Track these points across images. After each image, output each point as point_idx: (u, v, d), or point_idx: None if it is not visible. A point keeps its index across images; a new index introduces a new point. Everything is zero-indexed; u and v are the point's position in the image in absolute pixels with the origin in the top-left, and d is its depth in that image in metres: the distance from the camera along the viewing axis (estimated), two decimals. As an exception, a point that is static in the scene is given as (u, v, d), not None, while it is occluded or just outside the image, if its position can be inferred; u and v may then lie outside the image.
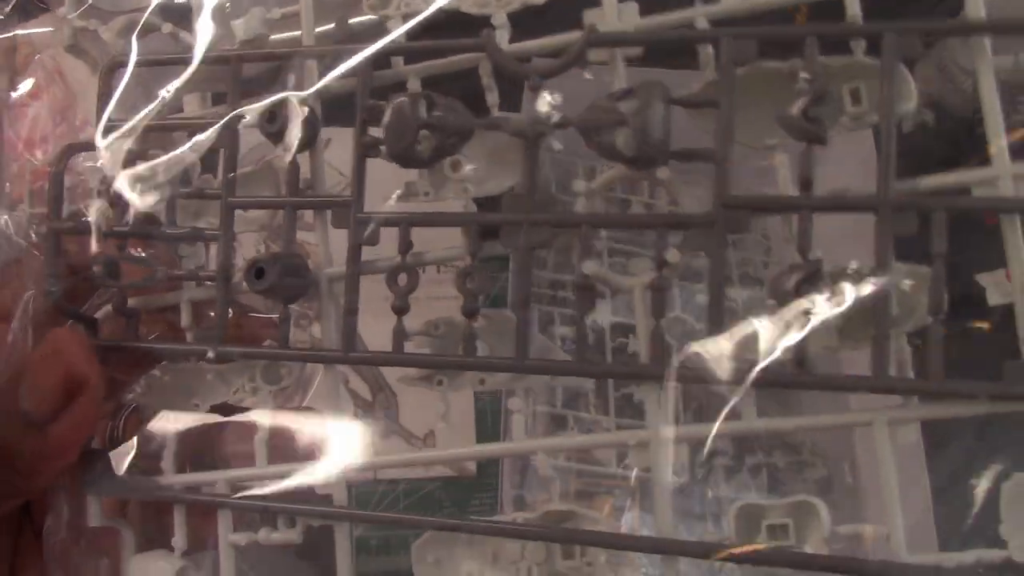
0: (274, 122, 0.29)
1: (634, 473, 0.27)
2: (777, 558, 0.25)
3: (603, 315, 0.26)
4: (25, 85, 0.34)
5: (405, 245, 0.29)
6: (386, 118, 0.28)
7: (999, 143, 0.25)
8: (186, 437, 0.31)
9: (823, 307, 0.25)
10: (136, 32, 0.32)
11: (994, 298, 0.26)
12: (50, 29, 0.33)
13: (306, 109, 0.29)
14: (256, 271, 0.29)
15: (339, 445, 0.30)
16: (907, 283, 0.25)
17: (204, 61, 0.31)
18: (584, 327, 0.27)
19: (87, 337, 0.31)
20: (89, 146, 0.31)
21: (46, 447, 0.29)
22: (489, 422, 0.46)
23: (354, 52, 0.29)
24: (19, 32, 0.35)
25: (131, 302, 0.31)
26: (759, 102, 0.27)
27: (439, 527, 0.28)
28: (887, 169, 0.25)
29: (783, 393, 0.28)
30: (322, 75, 0.31)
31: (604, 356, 0.34)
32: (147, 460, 0.31)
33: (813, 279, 0.25)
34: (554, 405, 0.48)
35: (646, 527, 0.28)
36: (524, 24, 0.29)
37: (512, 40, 0.29)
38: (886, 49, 0.25)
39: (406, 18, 0.30)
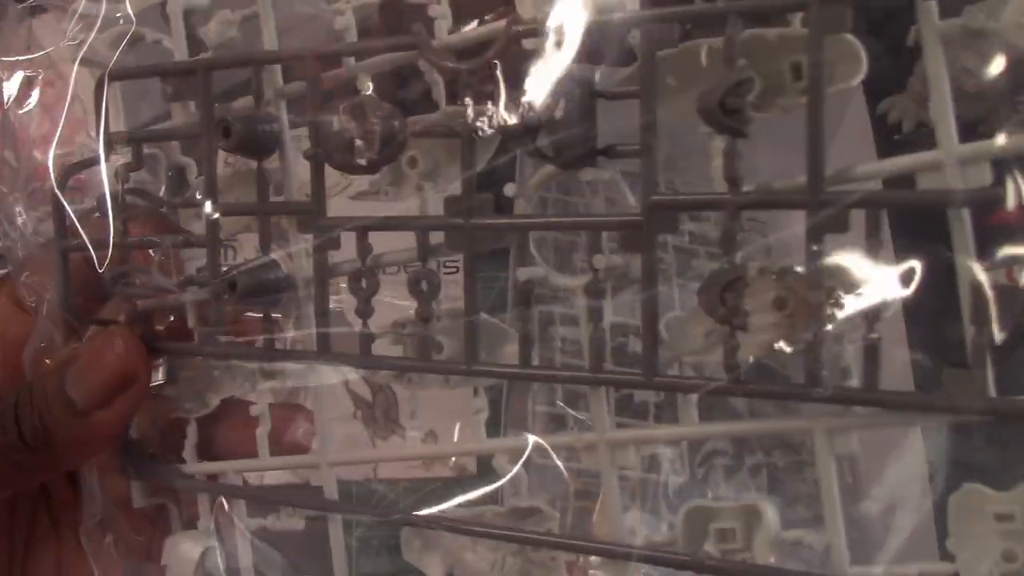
0: (229, 139, 0.29)
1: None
2: (722, 568, 0.25)
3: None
4: (35, 88, 0.36)
5: (363, 250, 0.29)
6: (327, 131, 0.28)
7: (945, 122, 0.22)
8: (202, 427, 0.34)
9: (755, 312, 0.24)
10: (124, 42, 0.33)
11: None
12: (53, 47, 0.34)
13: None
14: (229, 283, 0.30)
15: (332, 439, 0.31)
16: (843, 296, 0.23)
17: (176, 72, 0.32)
18: (528, 331, 0.27)
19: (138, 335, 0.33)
20: (88, 164, 0.33)
21: (88, 434, 0.32)
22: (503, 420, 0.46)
23: (309, 55, 0.29)
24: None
25: (140, 304, 0.33)
26: (697, 81, 0.25)
27: (409, 523, 0.29)
28: (817, 162, 0.23)
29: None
30: (286, 78, 0.31)
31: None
32: (161, 448, 0.34)
33: (737, 286, 0.23)
34: (553, 404, 0.47)
35: (647, 527, 0.28)
36: None
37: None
38: (812, 23, 0.22)
39: (356, 11, 0.30)
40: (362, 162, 0.27)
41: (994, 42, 0.23)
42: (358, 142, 0.27)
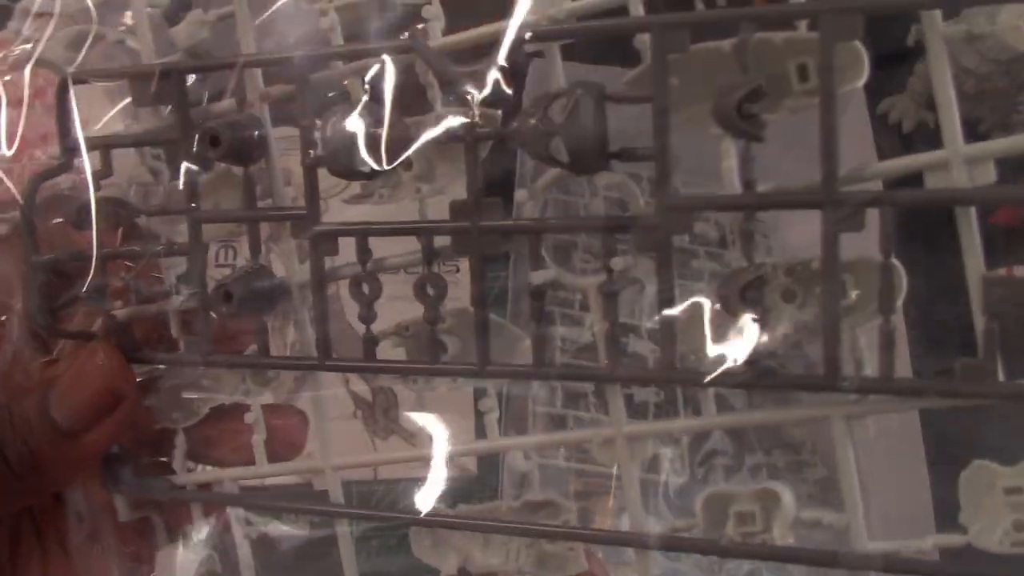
0: (218, 147, 0.28)
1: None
2: (741, 550, 0.26)
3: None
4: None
5: (363, 255, 0.29)
6: (323, 136, 0.27)
7: (951, 122, 0.23)
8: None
9: (773, 308, 0.25)
10: (87, 43, 0.32)
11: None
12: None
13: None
14: (224, 294, 0.29)
15: (334, 443, 0.31)
16: (852, 289, 0.24)
17: (149, 75, 0.31)
18: (542, 331, 0.27)
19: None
20: (58, 171, 0.31)
21: (76, 455, 0.31)
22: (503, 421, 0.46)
23: (295, 58, 0.29)
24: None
25: (119, 314, 0.32)
26: (705, 82, 0.26)
27: (422, 523, 0.29)
28: (831, 163, 0.24)
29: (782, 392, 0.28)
30: (267, 80, 0.30)
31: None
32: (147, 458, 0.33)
33: (757, 284, 0.24)
34: (554, 405, 0.48)
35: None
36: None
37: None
38: (824, 31, 0.23)
39: (339, 10, 0.29)
40: (364, 168, 0.27)
41: (992, 43, 0.24)
42: (360, 147, 0.27)
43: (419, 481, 0.29)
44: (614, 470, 0.28)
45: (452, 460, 0.29)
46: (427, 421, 0.29)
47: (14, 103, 0.32)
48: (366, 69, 0.29)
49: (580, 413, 0.47)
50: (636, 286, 0.27)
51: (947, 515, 0.25)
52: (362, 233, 0.29)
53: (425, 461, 0.29)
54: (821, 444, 0.52)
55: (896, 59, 0.24)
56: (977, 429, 0.27)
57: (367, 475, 0.46)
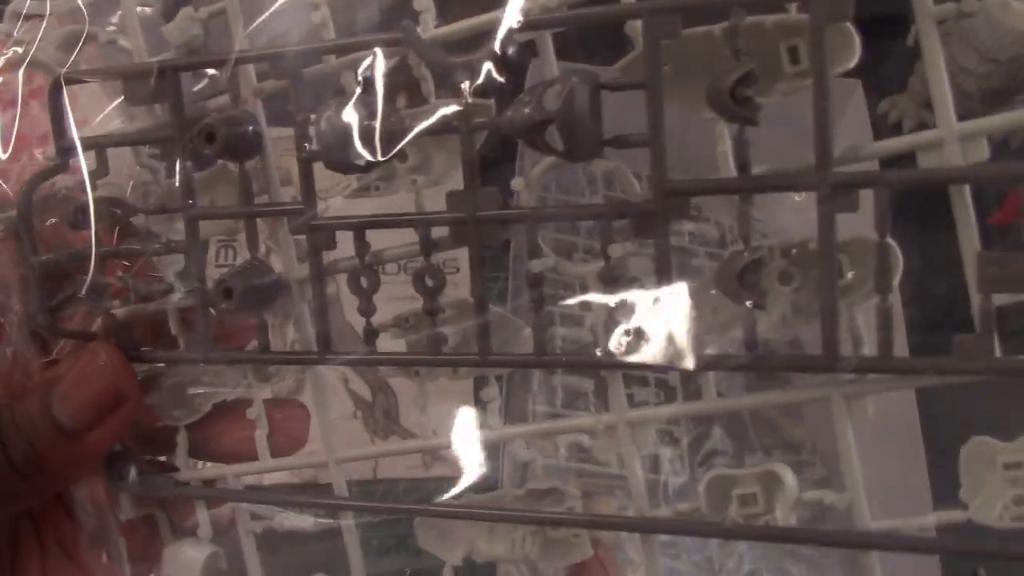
0: (214, 143, 0.29)
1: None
2: (746, 532, 0.26)
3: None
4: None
5: (361, 249, 0.29)
6: (317, 130, 0.27)
7: (943, 100, 0.24)
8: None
9: (770, 290, 0.25)
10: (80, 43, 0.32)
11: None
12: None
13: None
14: (224, 291, 0.29)
15: (335, 436, 0.31)
16: (849, 270, 0.24)
17: (143, 74, 0.31)
18: (542, 320, 0.27)
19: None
20: (54, 172, 0.31)
21: (80, 454, 0.31)
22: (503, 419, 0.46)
23: (288, 54, 0.29)
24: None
25: (119, 313, 0.32)
26: (698, 67, 0.26)
27: (429, 514, 0.29)
28: (825, 145, 0.24)
29: (779, 382, 0.28)
30: (259, 76, 0.30)
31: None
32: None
33: (754, 267, 0.24)
34: (554, 404, 0.48)
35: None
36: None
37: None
38: (814, 12, 0.23)
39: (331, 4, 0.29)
40: (360, 162, 0.27)
41: (990, 43, 0.24)
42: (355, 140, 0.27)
43: (419, 481, 0.29)
44: (614, 470, 0.28)
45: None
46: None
47: (8, 106, 0.32)
48: (359, 62, 0.29)
49: (580, 412, 0.47)
50: (635, 283, 0.27)
51: (945, 494, 0.25)
52: (358, 226, 0.29)
53: (427, 454, 0.29)
54: (821, 444, 0.52)
55: (896, 59, 0.24)
56: (974, 406, 0.27)
57: (367, 475, 0.46)
